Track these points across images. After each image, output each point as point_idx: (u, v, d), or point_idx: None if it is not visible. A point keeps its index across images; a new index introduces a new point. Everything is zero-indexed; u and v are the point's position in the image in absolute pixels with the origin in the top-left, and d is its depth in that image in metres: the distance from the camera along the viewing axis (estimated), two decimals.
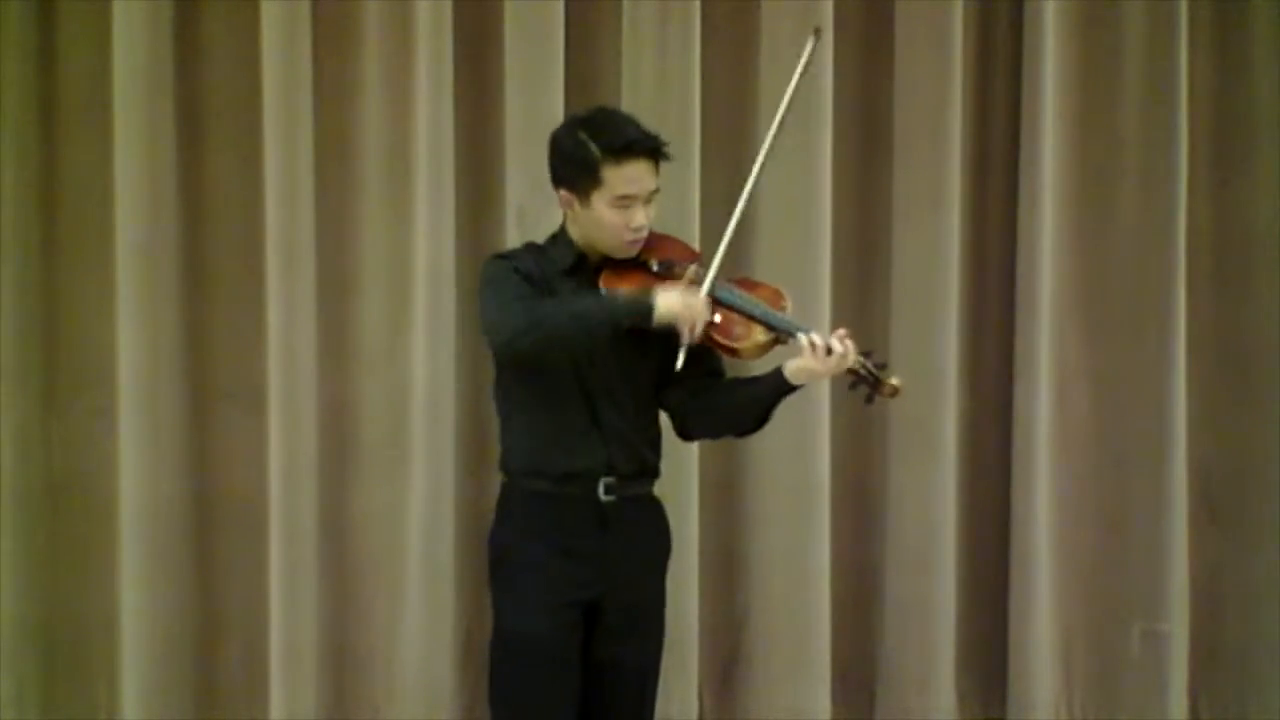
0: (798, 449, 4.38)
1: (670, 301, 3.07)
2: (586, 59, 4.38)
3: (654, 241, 3.22)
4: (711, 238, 4.11)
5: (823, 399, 4.38)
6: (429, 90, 4.29)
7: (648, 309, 3.06)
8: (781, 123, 3.23)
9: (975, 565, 4.59)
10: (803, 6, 4.33)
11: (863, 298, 4.54)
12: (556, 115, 4.22)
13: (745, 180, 3.27)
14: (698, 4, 4.36)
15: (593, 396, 3.19)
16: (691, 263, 3.23)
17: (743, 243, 4.32)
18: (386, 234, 4.34)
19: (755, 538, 4.49)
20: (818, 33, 3.29)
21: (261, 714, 4.34)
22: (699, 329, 3.08)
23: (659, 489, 3.34)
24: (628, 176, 3.10)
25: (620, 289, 3.15)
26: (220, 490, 4.37)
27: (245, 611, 4.36)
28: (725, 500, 4.49)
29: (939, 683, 4.52)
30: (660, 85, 4.34)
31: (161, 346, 4.30)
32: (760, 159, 3.24)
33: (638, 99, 4.27)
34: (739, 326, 3.17)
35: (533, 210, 4.16)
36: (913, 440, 4.48)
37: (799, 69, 3.25)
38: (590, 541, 3.19)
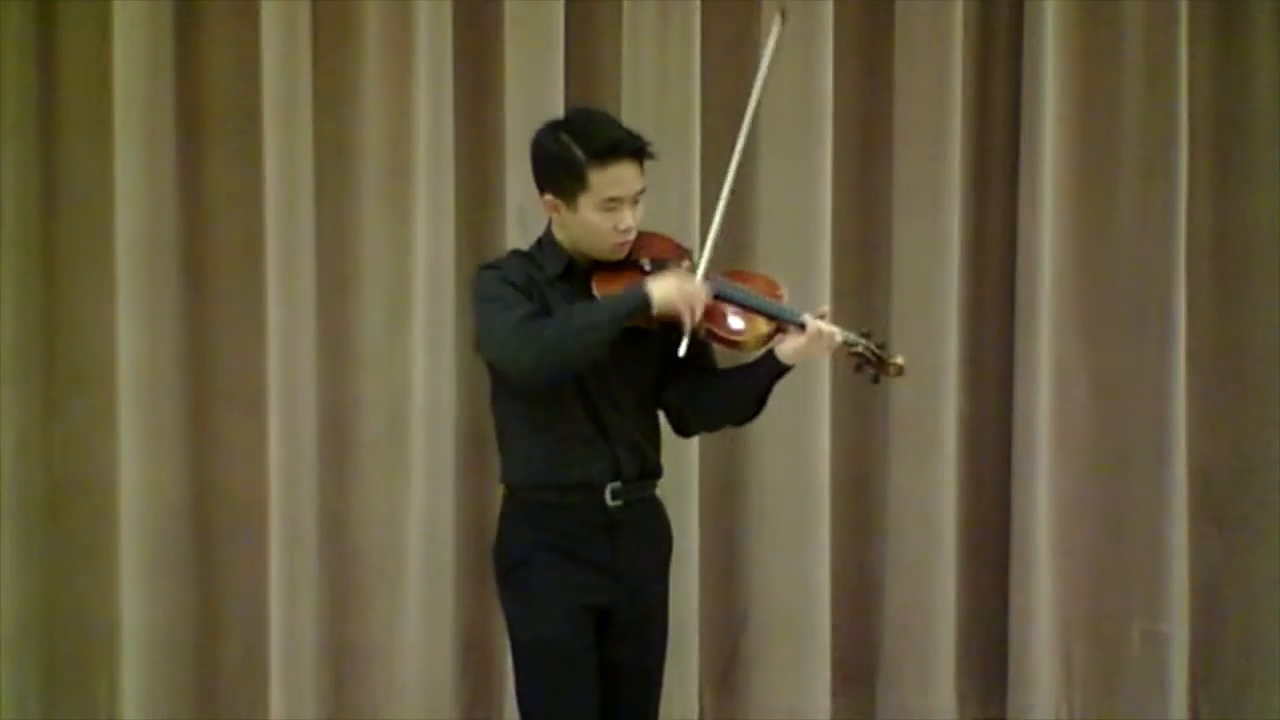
0: (798, 449, 4.38)
1: (666, 289, 3.02)
2: (586, 59, 4.38)
3: (642, 240, 3.20)
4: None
5: (823, 398, 4.38)
6: (429, 90, 4.28)
7: (645, 302, 3.02)
8: (757, 107, 3.19)
9: (975, 565, 4.59)
10: (803, 6, 4.33)
11: (863, 296, 4.53)
12: (557, 115, 4.22)
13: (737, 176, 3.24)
14: (698, 4, 4.36)
15: (596, 405, 3.16)
16: (682, 260, 3.21)
17: (744, 241, 4.32)
18: (386, 234, 4.34)
19: (755, 537, 4.49)
20: (784, 14, 3.23)
21: (261, 714, 4.34)
22: (699, 312, 3.04)
23: (659, 489, 3.34)
24: (613, 179, 3.07)
25: (612, 289, 3.12)
26: (220, 490, 4.37)
27: (245, 611, 4.36)
28: (726, 500, 4.48)
29: (939, 683, 4.52)
30: (660, 85, 4.34)
31: (161, 346, 4.30)
32: (739, 146, 3.20)
33: (638, 99, 4.27)
34: (740, 319, 3.16)
35: (533, 210, 4.15)
36: (913, 440, 4.48)
37: (767, 53, 3.20)
38: (600, 549, 3.18)
